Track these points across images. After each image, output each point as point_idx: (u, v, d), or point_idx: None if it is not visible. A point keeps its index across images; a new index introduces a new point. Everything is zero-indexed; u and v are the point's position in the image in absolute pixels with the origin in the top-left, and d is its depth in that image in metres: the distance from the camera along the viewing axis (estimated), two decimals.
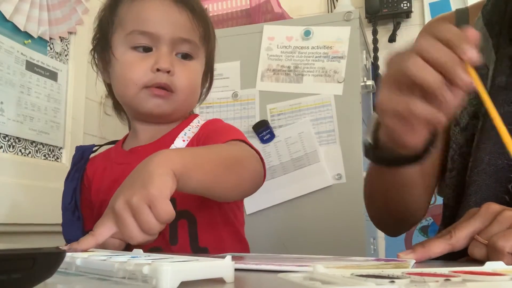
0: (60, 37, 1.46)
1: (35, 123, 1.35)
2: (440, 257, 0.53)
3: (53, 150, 1.43)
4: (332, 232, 1.43)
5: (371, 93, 1.73)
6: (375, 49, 2.06)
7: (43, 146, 1.39)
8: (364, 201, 0.79)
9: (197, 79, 0.85)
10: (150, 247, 0.76)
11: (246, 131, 1.58)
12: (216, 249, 0.77)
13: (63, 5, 1.46)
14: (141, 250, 0.45)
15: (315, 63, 1.55)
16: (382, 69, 2.04)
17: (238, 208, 0.87)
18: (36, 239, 1.28)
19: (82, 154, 0.88)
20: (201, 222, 0.78)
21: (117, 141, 0.93)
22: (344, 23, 1.55)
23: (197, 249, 0.77)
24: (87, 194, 0.86)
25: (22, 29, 1.30)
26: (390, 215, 0.75)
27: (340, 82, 1.50)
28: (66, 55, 1.50)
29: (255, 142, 1.54)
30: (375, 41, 2.06)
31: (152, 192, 0.50)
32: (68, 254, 0.38)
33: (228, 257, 0.35)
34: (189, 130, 0.84)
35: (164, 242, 0.77)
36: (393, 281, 0.25)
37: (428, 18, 2.08)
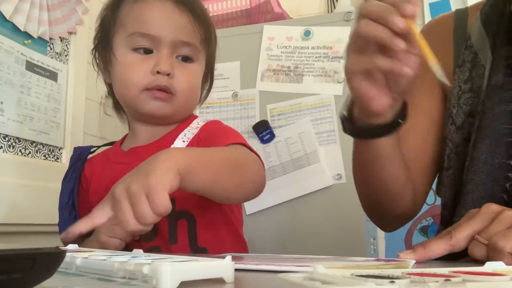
0: (60, 37, 1.46)
1: (35, 123, 1.35)
2: (440, 257, 0.53)
3: (53, 150, 1.43)
4: (332, 232, 1.43)
5: None
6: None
7: (43, 146, 1.39)
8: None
9: (197, 82, 0.85)
10: (149, 247, 0.77)
11: (246, 131, 1.58)
12: (215, 249, 0.78)
13: (63, 5, 1.46)
14: (141, 250, 0.45)
15: (315, 63, 1.55)
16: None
17: (237, 208, 0.87)
18: (36, 239, 1.28)
19: (80, 155, 0.88)
20: (200, 222, 0.78)
21: (114, 142, 0.93)
22: (344, 23, 1.55)
23: (196, 249, 0.77)
24: (84, 195, 0.86)
25: (22, 29, 1.30)
26: (371, 197, 0.75)
27: (340, 82, 1.50)
28: (66, 55, 1.50)
29: (255, 142, 1.54)
30: None
31: (151, 183, 0.51)
32: (68, 254, 0.38)
33: (228, 257, 0.35)
34: (188, 131, 0.84)
35: (164, 242, 0.77)
36: (393, 281, 0.25)
37: (428, 18, 2.08)
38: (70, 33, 1.51)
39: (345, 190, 1.45)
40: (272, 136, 1.55)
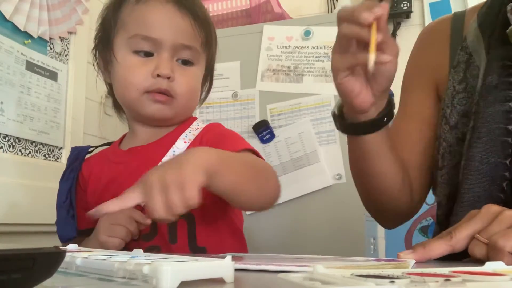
0: (60, 37, 1.46)
1: (35, 123, 1.35)
2: (441, 258, 0.53)
3: (53, 150, 1.43)
4: (332, 232, 1.43)
5: None
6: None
7: (43, 146, 1.39)
8: None
9: (196, 85, 0.85)
10: (148, 246, 0.77)
11: (246, 131, 1.58)
12: (214, 249, 0.78)
13: (63, 5, 1.46)
14: (141, 250, 0.45)
15: (315, 63, 1.55)
16: None
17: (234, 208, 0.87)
18: (36, 239, 1.29)
19: (78, 155, 0.88)
20: (200, 222, 0.78)
21: (112, 142, 0.93)
22: None
23: (196, 249, 0.78)
24: (82, 195, 0.86)
25: (22, 29, 1.30)
26: (368, 192, 0.79)
27: None
28: (66, 55, 1.50)
29: (255, 142, 1.54)
30: None
31: (185, 176, 0.53)
32: (68, 254, 0.38)
33: (228, 257, 0.35)
34: (189, 132, 0.84)
35: (163, 241, 0.77)
36: (393, 281, 0.25)
37: (428, 18, 2.08)
38: (70, 33, 1.51)
39: (345, 190, 1.45)
40: (272, 136, 1.55)
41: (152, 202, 0.53)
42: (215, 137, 0.82)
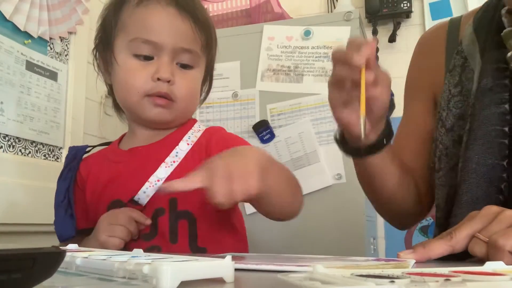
0: (60, 37, 1.46)
1: (35, 123, 1.35)
2: (442, 258, 0.53)
3: (53, 150, 1.43)
4: (332, 232, 1.43)
5: None
6: (375, 49, 2.06)
7: (43, 146, 1.39)
8: None
9: (196, 88, 0.86)
10: (148, 246, 0.77)
11: (246, 131, 1.58)
12: (215, 249, 0.78)
13: (63, 5, 1.46)
14: (141, 250, 0.45)
15: (315, 63, 1.55)
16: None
17: (237, 208, 0.88)
18: (36, 239, 1.28)
19: (75, 154, 0.89)
20: (201, 222, 0.79)
21: (110, 142, 0.93)
22: (344, 23, 1.55)
23: (196, 249, 0.78)
24: (80, 195, 0.86)
25: (22, 29, 1.30)
26: (377, 202, 0.83)
27: None
28: (66, 55, 1.50)
29: (255, 142, 1.54)
30: None
31: (248, 168, 0.56)
32: (68, 254, 0.38)
33: (228, 257, 0.35)
34: (192, 134, 0.85)
35: (163, 241, 0.77)
36: (393, 281, 0.25)
37: (428, 18, 2.08)
38: (70, 33, 1.51)
39: (345, 190, 1.45)
40: (272, 136, 1.55)
41: (216, 186, 0.55)
42: (225, 142, 0.82)
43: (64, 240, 0.81)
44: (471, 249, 0.50)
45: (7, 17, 1.26)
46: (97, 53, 0.88)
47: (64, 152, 1.45)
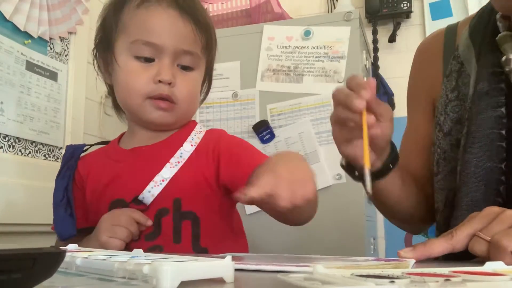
0: (60, 37, 1.46)
1: (35, 123, 1.35)
2: (443, 258, 0.53)
3: (53, 150, 1.43)
4: (332, 232, 1.43)
5: None
6: (375, 49, 2.06)
7: (43, 146, 1.39)
8: None
9: (197, 89, 0.86)
10: (151, 246, 0.77)
11: (246, 131, 1.58)
12: (216, 249, 0.78)
13: (63, 5, 1.46)
14: (141, 250, 0.45)
15: (315, 63, 1.55)
16: (381, 70, 2.04)
17: (236, 210, 0.88)
18: (36, 239, 1.28)
19: (73, 153, 0.89)
20: (204, 223, 0.79)
21: (108, 141, 0.93)
22: (344, 23, 1.55)
23: (199, 249, 0.78)
24: (79, 194, 0.86)
25: (22, 29, 1.30)
26: (388, 214, 0.85)
27: (340, 82, 1.50)
28: (66, 55, 1.50)
29: (255, 142, 1.54)
30: (375, 41, 2.06)
31: (307, 175, 0.58)
32: (68, 254, 0.38)
33: (228, 257, 0.35)
34: (195, 135, 0.85)
35: (167, 241, 0.78)
36: (393, 281, 0.25)
37: (428, 18, 2.08)
38: (70, 33, 1.51)
39: (345, 190, 1.45)
40: (272, 136, 1.55)
41: (282, 192, 0.56)
42: (229, 146, 0.83)
43: (65, 239, 0.81)
44: (471, 247, 0.50)
45: (7, 17, 1.26)
46: (97, 53, 0.87)
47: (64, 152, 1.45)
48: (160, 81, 0.78)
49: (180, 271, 0.31)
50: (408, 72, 0.91)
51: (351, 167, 0.72)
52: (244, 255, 0.68)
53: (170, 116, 0.82)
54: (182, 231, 0.78)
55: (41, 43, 1.39)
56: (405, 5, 2.05)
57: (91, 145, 0.92)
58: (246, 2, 1.77)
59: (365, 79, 0.63)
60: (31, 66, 1.35)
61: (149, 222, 0.77)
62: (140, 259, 0.37)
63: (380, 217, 1.79)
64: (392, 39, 2.11)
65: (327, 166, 1.48)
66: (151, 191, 0.78)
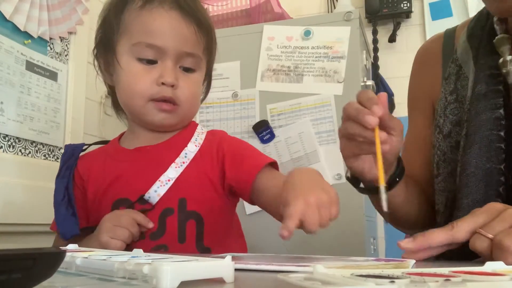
0: (60, 37, 1.46)
1: (35, 123, 1.35)
2: (445, 258, 0.53)
3: (53, 150, 1.43)
4: (332, 232, 1.43)
5: None
6: (375, 49, 2.06)
7: (43, 146, 1.39)
8: None
9: (198, 90, 0.87)
10: (155, 245, 0.77)
11: (246, 131, 1.58)
12: (218, 249, 0.79)
13: (63, 5, 1.46)
14: (141, 250, 0.45)
15: (315, 63, 1.55)
16: (381, 70, 2.04)
17: (235, 211, 0.89)
18: (36, 239, 1.28)
19: (72, 152, 0.89)
20: (208, 223, 0.80)
21: (107, 141, 0.93)
22: (344, 23, 1.55)
23: (202, 249, 0.79)
24: (80, 193, 0.86)
25: (22, 29, 1.30)
26: (394, 221, 0.85)
27: (340, 82, 1.50)
28: (66, 55, 1.50)
29: (255, 142, 1.54)
30: (375, 41, 2.06)
31: (332, 198, 0.59)
32: (68, 254, 0.38)
33: (228, 257, 0.35)
34: (198, 136, 0.86)
35: (171, 240, 0.78)
36: (393, 281, 0.25)
37: (428, 18, 2.08)
38: (70, 33, 1.51)
39: (345, 190, 1.44)
40: (272, 136, 1.55)
41: (314, 217, 0.57)
42: (233, 149, 0.83)
43: (70, 238, 0.80)
44: (472, 244, 0.50)
45: (7, 17, 1.26)
46: (97, 53, 0.87)
47: None
48: (163, 83, 0.78)
49: (180, 271, 0.31)
50: (408, 72, 0.91)
51: (356, 180, 0.73)
52: (244, 255, 0.69)
53: (172, 117, 0.82)
54: (187, 231, 0.79)
55: (41, 43, 1.39)
56: (405, 5, 2.05)
57: (90, 145, 0.92)
58: (246, 2, 1.77)
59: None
60: (31, 66, 1.35)
61: (150, 225, 0.77)
62: (140, 259, 0.37)
63: (380, 217, 1.79)
64: (392, 39, 2.11)
65: (327, 166, 1.48)
66: (157, 190, 0.79)
